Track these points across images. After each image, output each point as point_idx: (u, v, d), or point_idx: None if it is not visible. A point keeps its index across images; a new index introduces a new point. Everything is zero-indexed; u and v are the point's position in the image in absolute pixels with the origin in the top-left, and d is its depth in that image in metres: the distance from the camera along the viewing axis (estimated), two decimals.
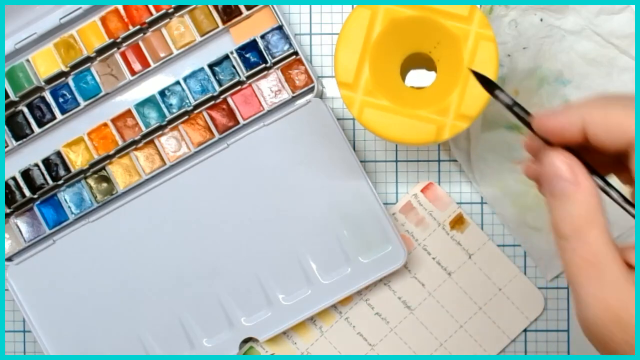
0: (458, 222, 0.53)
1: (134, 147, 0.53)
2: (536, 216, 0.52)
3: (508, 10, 0.52)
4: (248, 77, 0.52)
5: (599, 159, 0.32)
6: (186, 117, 0.52)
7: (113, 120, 0.52)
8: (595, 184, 0.30)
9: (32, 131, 0.52)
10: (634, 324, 0.28)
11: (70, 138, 0.52)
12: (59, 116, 0.52)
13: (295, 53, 0.52)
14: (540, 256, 0.52)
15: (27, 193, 0.52)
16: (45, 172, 0.52)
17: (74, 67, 0.52)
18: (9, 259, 0.52)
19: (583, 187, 0.30)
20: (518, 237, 0.52)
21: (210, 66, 0.52)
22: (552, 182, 0.31)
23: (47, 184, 0.52)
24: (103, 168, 0.53)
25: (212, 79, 0.52)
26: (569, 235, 0.30)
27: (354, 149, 0.53)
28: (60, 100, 0.52)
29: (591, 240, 0.29)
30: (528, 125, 0.33)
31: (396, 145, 0.53)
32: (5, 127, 0.52)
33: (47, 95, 0.52)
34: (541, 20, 0.52)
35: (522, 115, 0.33)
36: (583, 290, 0.29)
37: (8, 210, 0.52)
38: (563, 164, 0.31)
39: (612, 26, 0.51)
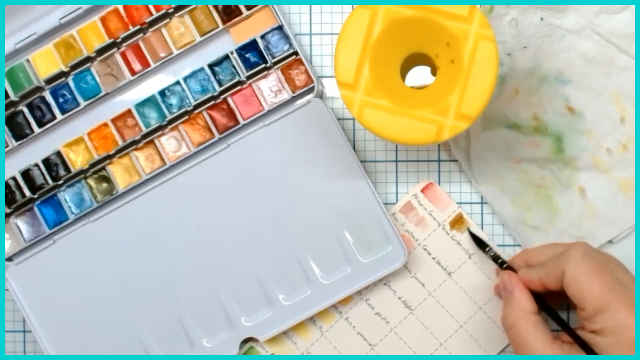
0: (458, 222, 0.53)
1: (134, 147, 0.53)
2: (534, 215, 0.52)
3: (508, 9, 0.52)
4: (248, 77, 0.52)
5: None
6: (186, 117, 0.52)
7: (113, 120, 0.52)
8: (528, 295, 0.46)
9: (32, 131, 0.52)
10: None
11: (70, 138, 0.52)
12: (59, 116, 0.52)
13: (295, 53, 0.52)
14: None
15: (27, 193, 0.52)
16: (45, 172, 0.52)
17: (74, 67, 0.52)
18: (9, 259, 0.52)
19: (515, 296, 0.46)
20: (517, 236, 0.52)
21: (210, 66, 0.52)
22: (502, 292, 0.47)
23: (47, 184, 0.52)
24: (103, 168, 0.53)
25: (212, 79, 0.52)
26: (507, 328, 0.46)
27: (354, 149, 0.53)
28: (60, 100, 0.52)
29: (521, 331, 0.45)
30: (500, 263, 0.50)
31: (396, 145, 0.53)
32: (5, 127, 0.52)
33: (47, 95, 0.52)
34: (541, 19, 0.52)
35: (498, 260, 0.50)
36: None
37: (8, 210, 0.52)
38: (505, 280, 0.47)
39: (612, 26, 0.51)
